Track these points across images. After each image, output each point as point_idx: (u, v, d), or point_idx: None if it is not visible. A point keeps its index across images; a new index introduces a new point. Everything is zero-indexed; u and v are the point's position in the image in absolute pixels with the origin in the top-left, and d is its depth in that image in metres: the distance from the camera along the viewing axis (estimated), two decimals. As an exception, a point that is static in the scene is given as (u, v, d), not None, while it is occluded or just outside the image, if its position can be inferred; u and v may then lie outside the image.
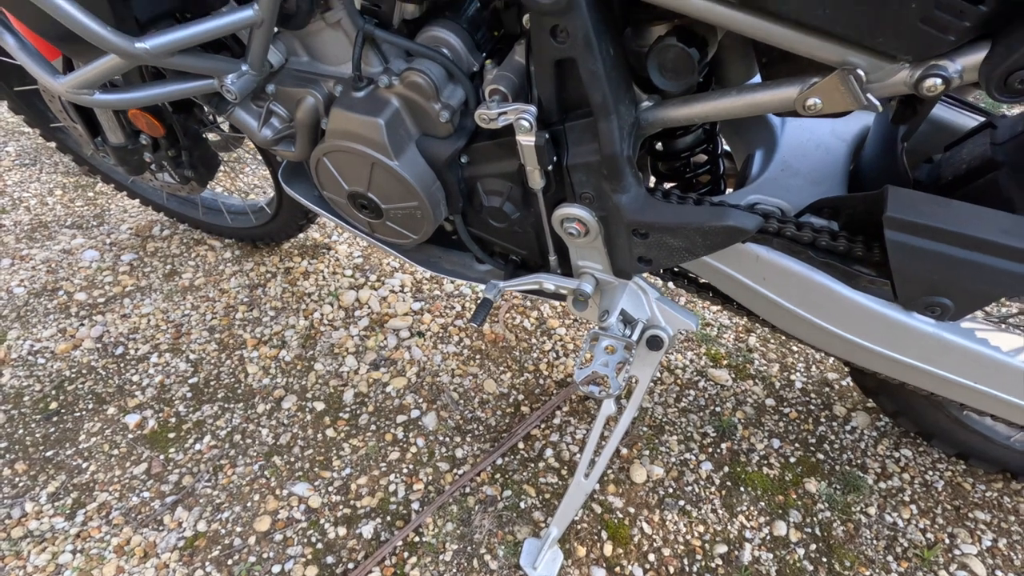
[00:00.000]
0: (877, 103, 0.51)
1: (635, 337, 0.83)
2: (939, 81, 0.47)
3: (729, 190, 0.92)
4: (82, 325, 1.38)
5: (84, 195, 1.78)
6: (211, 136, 1.26)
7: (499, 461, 1.14)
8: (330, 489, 1.10)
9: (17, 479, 1.10)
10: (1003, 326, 0.92)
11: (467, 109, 0.75)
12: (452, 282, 1.50)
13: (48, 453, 1.14)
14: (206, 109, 1.12)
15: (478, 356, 1.34)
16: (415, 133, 0.77)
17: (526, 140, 0.67)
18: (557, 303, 1.45)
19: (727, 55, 0.70)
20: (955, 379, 0.70)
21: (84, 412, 1.21)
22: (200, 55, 0.71)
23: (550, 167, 0.70)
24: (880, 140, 0.74)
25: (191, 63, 0.69)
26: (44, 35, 0.67)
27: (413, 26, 0.73)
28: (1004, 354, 0.68)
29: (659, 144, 0.86)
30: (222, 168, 1.37)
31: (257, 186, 1.85)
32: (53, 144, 1.47)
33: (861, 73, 0.50)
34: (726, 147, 0.92)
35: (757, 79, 0.70)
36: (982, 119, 0.74)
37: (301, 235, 1.58)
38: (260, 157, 1.73)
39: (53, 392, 1.24)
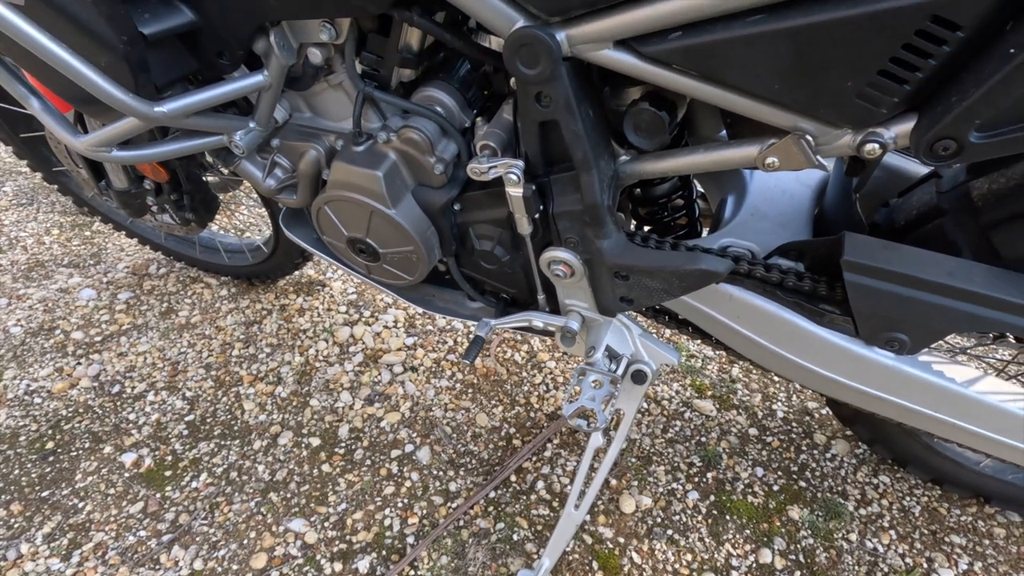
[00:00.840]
0: (826, 164, 0.58)
1: (620, 372, 0.87)
2: (877, 146, 0.53)
3: (705, 231, 0.98)
4: (79, 364, 1.40)
5: (81, 234, 1.82)
6: (210, 178, 1.31)
7: (492, 494, 1.17)
8: (326, 524, 1.12)
9: (13, 520, 1.11)
10: (960, 358, 0.98)
11: (459, 161, 0.81)
12: (444, 317, 1.54)
13: (44, 493, 1.15)
14: (208, 157, 1.17)
15: (470, 390, 1.37)
16: (411, 183, 0.82)
17: (514, 191, 0.72)
18: (547, 338, 1.49)
19: (697, 114, 0.76)
20: (915, 408, 0.75)
21: (80, 451, 1.22)
22: (211, 115, 0.76)
23: (537, 215, 0.76)
24: (838, 189, 0.81)
25: (203, 123, 0.75)
26: (67, 99, 0.72)
27: (409, 86, 0.79)
28: (958, 384, 0.73)
29: (638, 190, 0.92)
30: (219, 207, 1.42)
31: (252, 224, 1.90)
32: (55, 187, 1.51)
33: (810, 138, 0.56)
34: (701, 189, 0.99)
35: (724, 134, 0.77)
36: (931, 167, 0.81)
37: (296, 272, 1.62)
38: (256, 197, 1.78)
39: (49, 432, 1.26)
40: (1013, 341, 0.80)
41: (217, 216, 1.86)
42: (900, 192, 0.81)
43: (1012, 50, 0.43)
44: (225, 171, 1.31)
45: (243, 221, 1.90)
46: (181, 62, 0.71)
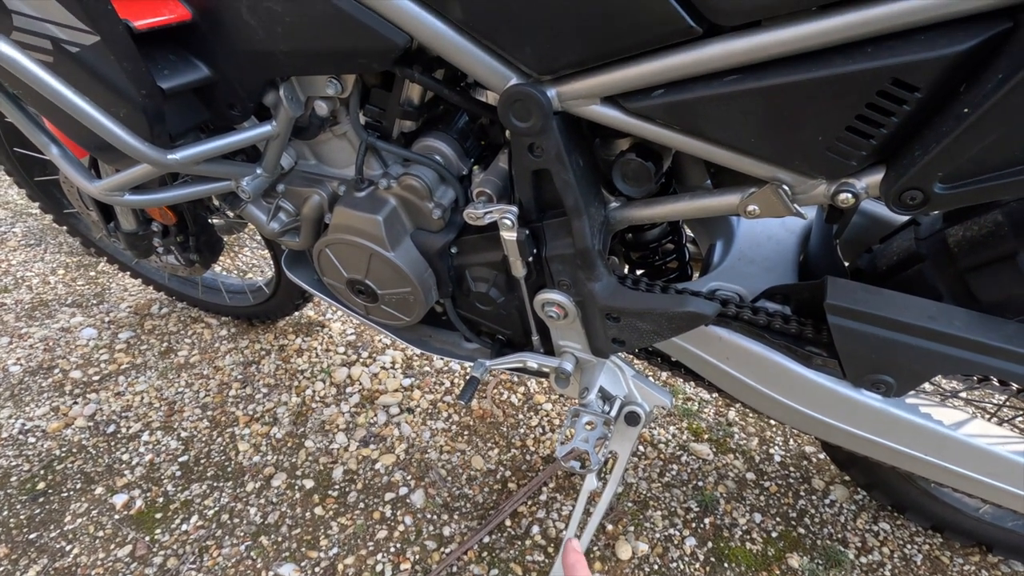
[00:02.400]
0: (803, 212, 0.61)
1: (613, 413, 0.88)
2: (850, 195, 0.57)
3: (696, 274, 1.01)
4: (75, 403, 1.40)
5: (86, 274, 1.85)
6: (215, 221, 1.35)
7: (486, 539, 1.15)
8: (316, 570, 1.09)
9: (-2, 563, 1.09)
10: (948, 401, 0.99)
11: (457, 207, 0.85)
12: (441, 358, 1.55)
13: (32, 535, 1.13)
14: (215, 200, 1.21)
15: (466, 432, 1.37)
16: (410, 227, 0.86)
17: (509, 236, 0.75)
18: (543, 379, 1.50)
19: (683, 163, 0.80)
20: (904, 450, 0.76)
21: (71, 492, 1.21)
22: (220, 162, 0.80)
23: (530, 258, 0.79)
24: (820, 235, 0.84)
25: (213, 169, 0.79)
26: (83, 145, 0.76)
27: (410, 136, 0.83)
28: (945, 427, 0.74)
29: (630, 235, 0.95)
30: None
31: (254, 265, 1.93)
32: (65, 228, 1.55)
33: (787, 188, 0.59)
34: (691, 234, 1.02)
35: (710, 183, 0.81)
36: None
37: (296, 313, 1.64)
38: (259, 239, 1.82)
39: (41, 472, 1.25)
40: (997, 384, 0.81)
41: (220, 257, 1.90)
42: (882, 238, 0.84)
43: (966, 110, 0.47)
44: (231, 214, 1.35)
45: (245, 262, 1.94)
46: (194, 113, 0.75)
